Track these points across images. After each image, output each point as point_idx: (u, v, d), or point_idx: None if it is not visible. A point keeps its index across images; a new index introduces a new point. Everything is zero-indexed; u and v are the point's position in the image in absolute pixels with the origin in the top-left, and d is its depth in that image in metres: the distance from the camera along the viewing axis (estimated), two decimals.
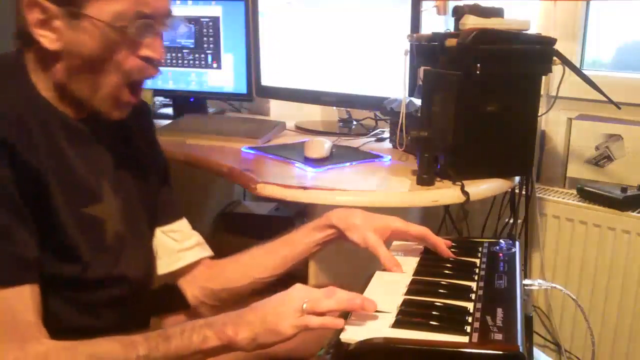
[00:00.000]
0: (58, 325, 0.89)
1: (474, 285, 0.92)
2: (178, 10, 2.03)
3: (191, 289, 1.17)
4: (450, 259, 1.03)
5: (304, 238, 1.13)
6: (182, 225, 1.17)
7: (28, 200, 0.86)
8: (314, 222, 1.12)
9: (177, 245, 1.15)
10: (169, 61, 2.09)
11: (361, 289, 0.93)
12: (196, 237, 1.18)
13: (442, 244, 1.04)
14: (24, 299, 0.84)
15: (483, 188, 1.37)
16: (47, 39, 0.90)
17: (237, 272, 1.16)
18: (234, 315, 0.87)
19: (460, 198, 1.31)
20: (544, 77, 1.46)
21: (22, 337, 0.82)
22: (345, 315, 0.85)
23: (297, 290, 0.88)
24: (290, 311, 0.85)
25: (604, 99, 1.49)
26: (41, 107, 0.93)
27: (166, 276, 1.15)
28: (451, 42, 1.36)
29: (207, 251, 1.19)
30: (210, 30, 2.03)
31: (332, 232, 1.11)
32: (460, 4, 1.45)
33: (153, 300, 1.13)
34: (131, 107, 0.98)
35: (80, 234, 0.93)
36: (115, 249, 0.98)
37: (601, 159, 1.72)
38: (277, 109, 2.22)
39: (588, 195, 1.69)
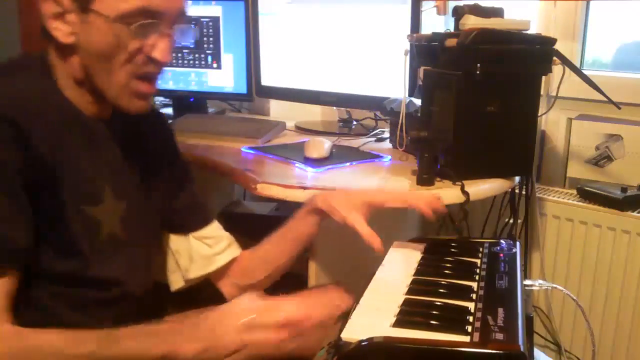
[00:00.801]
0: (51, 321, 0.89)
1: (474, 285, 0.92)
2: None
3: (226, 287, 1.21)
4: (450, 259, 1.03)
5: (301, 223, 1.16)
6: (213, 229, 1.19)
7: (33, 188, 0.86)
8: (304, 207, 1.15)
9: (210, 251, 1.17)
10: None
11: (361, 289, 0.93)
12: (227, 239, 1.20)
13: (424, 207, 1.07)
14: (2, 284, 0.84)
15: (483, 188, 1.37)
16: (60, 32, 0.91)
17: (260, 265, 1.20)
18: (189, 325, 0.86)
19: (460, 198, 1.31)
20: (544, 77, 1.46)
21: None
22: (346, 315, 0.85)
23: (240, 303, 0.88)
24: (232, 325, 0.84)
25: (604, 99, 1.49)
26: (58, 102, 0.94)
27: (200, 278, 1.19)
28: (451, 42, 1.36)
29: (238, 250, 1.22)
30: (210, 30, 2.03)
31: (320, 215, 1.13)
32: (460, 4, 1.45)
33: (154, 305, 1.13)
34: (151, 97, 0.98)
35: (81, 230, 0.93)
36: (107, 251, 0.98)
37: (601, 159, 1.72)
38: (277, 109, 2.22)
39: (588, 195, 1.69)
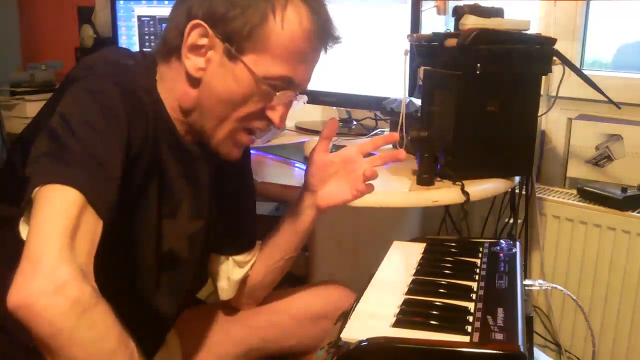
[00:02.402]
0: None
1: (474, 285, 0.92)
2: None
3: (239, 297, 1.20)
4: (450, 259, 1.03)
5: (304, 219, 1.13)
6: (251, 255, 1.17)
7: (128, 170, 0.83)
8: (302, 203, 1.12)
9: (242, 272, 1.16)
10: None
11: (361, 289, 0.93)
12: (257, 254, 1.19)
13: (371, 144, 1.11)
14: (97, 232, 0.76)
15: (483, 188, 1.36)
16: (192, 64, 0.90)
17: (261, 264, 1.18)
18: None
19: (460, 198, 1.31)
20: (544, 77, 1.46)
21: (77, 259, 0.72)
22: (346, 315, 0.85)
23: None
24: None
25: (604, 99, 1.49)
26: (158, 110, 0.91)
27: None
28: (451, 42, 1.36)
29: None
30: None
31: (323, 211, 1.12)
32: (460, 4, 1.45)
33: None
34: (245, 147, 0.99)
35: (143, 238, 0.92)
36: (154, 267, 0.96)
37: (601, 159, 1.72)
38: None
39: (588, 195, 1.69)
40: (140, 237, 0.92)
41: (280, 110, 0.94)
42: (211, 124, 0.93)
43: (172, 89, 0.93)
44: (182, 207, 0.98)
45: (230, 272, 1.15)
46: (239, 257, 1.15)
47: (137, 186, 0.87)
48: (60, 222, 0.70)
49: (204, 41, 0.89)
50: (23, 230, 0.76)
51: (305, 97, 1.01)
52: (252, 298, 1.20)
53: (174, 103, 0.93)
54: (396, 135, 1.15)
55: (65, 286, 0.67)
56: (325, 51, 0.98)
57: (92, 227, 0.74)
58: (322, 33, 0.95)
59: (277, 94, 0.91)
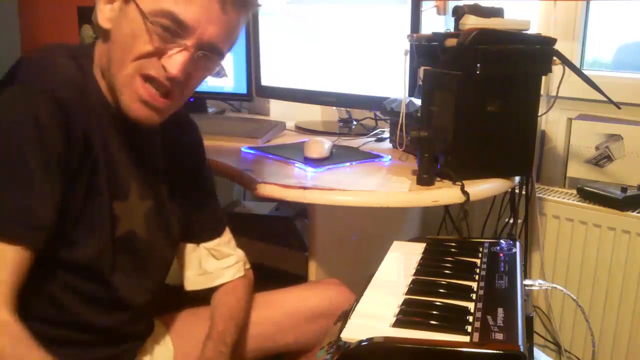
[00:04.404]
0: (63, 315, 0.92)
1: (474, 285, 0.92)
2: None
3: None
4: (450, 259, 1.03)
5: None
6: (221, 242, 1.19)
7: (71, 173, 0.87)
8: None
9: (216, 265, 1.18)
10: None
11: (361, 289, 0.93)
12: (234, 256, 1.20)
13: None
14: (13, 259, 0.82)
15: (483, 188, 1.36)
16: (102, 16, 0.93)
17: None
18: None
19: (460, 198, 1.31)
20: (544, 77, 1.46)
21: None
22: (346, 315, 0.85)
23: None
24: None
25: (604, 99, 1.49)
26: (96, 91, 0.95)
27: (202, 290, 1.19)
28: (451, 42, 1.36)
29: (241, 271, 1.21)
30: None
31: None
32: (460, 4, 1.45)
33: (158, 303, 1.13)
34: (158, 110, 0.95)
35: (100, 223, 0.94)
36: (110, 250, 0.97)
37: (601, 159, 1.72)
38: (277, 109, 2.22)
39: (588, 195, 1.69)
40: (95, 222, 0.93)
41: (175, 57, 0.90)
42: (114, 71, 0.92)
43: (97, 57, 0.96)
44: (132, 188, 1.00)
45: (204, 261, 1.17)
46: (209, 244, 1.17)
47: (88, 178, 0.90)
48: None
49: None
50: None
51: (223, 69, 1.01)
52: None
53: (98, 72, 0.96)
54: None
55: None
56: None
57: (12, 258, 0.81)
58: None
59: (156, 27, 0.89)
